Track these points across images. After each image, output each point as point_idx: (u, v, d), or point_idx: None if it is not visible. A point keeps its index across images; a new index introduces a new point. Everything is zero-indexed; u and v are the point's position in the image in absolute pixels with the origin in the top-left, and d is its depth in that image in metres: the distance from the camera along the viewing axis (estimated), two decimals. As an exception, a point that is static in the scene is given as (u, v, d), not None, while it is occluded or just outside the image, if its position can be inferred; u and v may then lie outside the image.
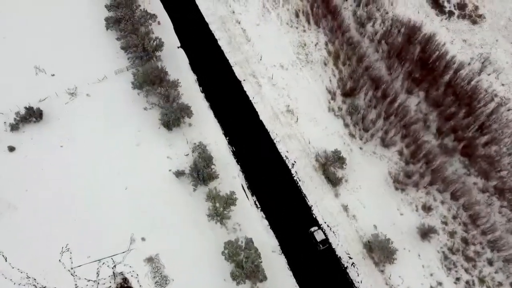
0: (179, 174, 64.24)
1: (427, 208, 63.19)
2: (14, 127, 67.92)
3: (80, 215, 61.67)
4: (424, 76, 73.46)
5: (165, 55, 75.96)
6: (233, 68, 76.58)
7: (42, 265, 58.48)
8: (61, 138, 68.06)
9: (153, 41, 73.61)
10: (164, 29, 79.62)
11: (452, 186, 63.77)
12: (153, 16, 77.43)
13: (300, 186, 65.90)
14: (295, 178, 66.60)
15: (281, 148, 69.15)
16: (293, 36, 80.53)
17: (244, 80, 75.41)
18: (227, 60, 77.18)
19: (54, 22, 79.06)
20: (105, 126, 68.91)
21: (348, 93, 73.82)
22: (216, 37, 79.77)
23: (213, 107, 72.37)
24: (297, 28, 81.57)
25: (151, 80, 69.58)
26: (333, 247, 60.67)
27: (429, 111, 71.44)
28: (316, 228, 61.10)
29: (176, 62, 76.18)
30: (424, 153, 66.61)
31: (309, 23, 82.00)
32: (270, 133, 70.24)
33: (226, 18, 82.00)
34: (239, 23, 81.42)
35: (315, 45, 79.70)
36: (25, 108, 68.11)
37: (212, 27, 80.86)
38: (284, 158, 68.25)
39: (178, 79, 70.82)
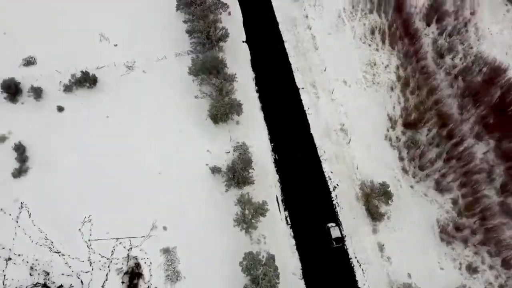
0: (215, 170, 61.68)
1: (472, 269, 56.67)
2: (67, 88, 68.22)
3: (109, 189, 60.57)
4: (499, 124, 66.30)
5: (228, 47, 73.72)
6: (294, 73, 73.08)
7: (62, 230, 57.92)
8: (109, 108, 67.55)
9: (219, 31, 71.54)
10: (233, 21, 77.44)
11: (506, 252, 56.82)
12: (224, 5, 75.44)
13: (337, 212, 61.37)
14: (334, 202, 62.14)
15: (326, 167, 64.85)
16: (364, 53, 75.74)
17: (302, 88, 71.71)
18: (290, 64, 73.77)
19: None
20: (153, 105, 67.67)
21: (410, 125, 68.15)
22: (284, 38, 76.56)
23: (264, 109, 69.25)
24: (370, 45, 76.69)
25: (208, 69, 67.50)
26: (347, 248, 57.56)
27: (497, 163, 64.37)
28: (333, 224, 59.12)
29: (237, 56, 73.77)
30: (481, 208, 59.95)
31: (383, 42, 76.85)
32: (318, 149, 66.11)
33: (298, 21, 78.55)
34: (310, 28, 77.73)
35: (386, 66, 74.48)
36: (81, 72, 68.16)
37: (282, 27, 77.71)
38: (327, 179, 63.92)
39: (235, 74, 68.27)
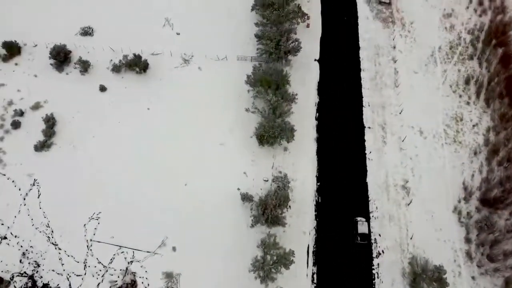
0: (246, 198, 53.54)
1: None
2: (116, 69, 63.01)
3: (127, 189, 54.46)
4: None
5: (296, 62, 65.23)
6: (363, 108, 63.15)
7: (66, 221, 52.49)
8: (153, 99, 61.49)
9: (291, 42, 63.22)
10: (309, 34, 68.79)
11: None
12: (304, 16, 67.03)
13: (375, 284, 51.05)
14: (374, 271, 51.85)
15: (375, 226, 54.57)
16: (451, 103, 64.20)
17: (369, 127, 61.65)
18: (361, 97, 63.93)
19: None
20: (199, 108, 60.69)
21: (489, 202, 56.08)
22: (362, 66, 66.75)
23: (320, 141, 60.05)
24: (460, 96, 64.96)
25: (268, 82, 59.37)
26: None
27: None
28: (363, 219, 53.85)
29: (304, 74, 65.04)
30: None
31: (477, 96, 64.81)
32: (370, 203, 55.96)
33: (383, 50, 68.39)
34: (395, 62, 67.30)
35: (474, 125, 62.52)
36: (134, 54, 62.64)
37: (362, 53, 67.92)
38: (372, 241, 53.64)
39: (296, 94, 59.66)
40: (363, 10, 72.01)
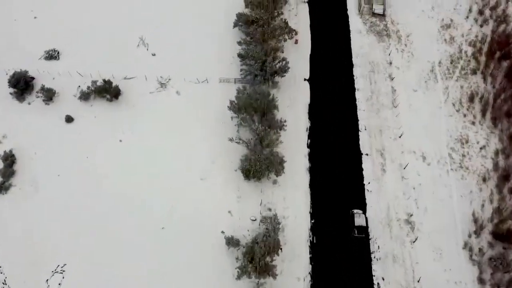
0: (231, 242, 47.32)
1: None
2: (84, 96, 56.66)
3: (96, 236, 48.06)
4: None
5: (284, 83, 59.31)
6: (359, 132, 57.28)
7: (26, 276, 45.96)
8: (126, 130, 55.23)
9: (278, 62, 57.34)
10: (298, 51, 62.93)
11: None
12: (292, 31, 61.16)
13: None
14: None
15: (377, 269, 48.59)
16: (455, 123, 58.55)
17: (367, 154, 55.76)
18: (357, 120, 58.09)
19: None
20: (178, 138, 54.58)
21: (503, 237, 50.37)
22: (356, 85, 60.94)
23: (313, 171, 54.05)
24: (464, 115, 59.34)
25: (254, 108, 53.40)
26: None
27: None
28: (360, 211, 50.73)
29: (293, 96, 59.10)
30: None
31: (483, 115, 59.23)
32: (370, 241, 49.99)
33: (378, 67, 62.65)
34: (392, 79, 61.62)
35: (481, 148, 56.87)
36: (104, 80, 56.31)
37: (357, 71, 62.13)
38: (375, 286, 47.62)
39: (285, 121, 53.67)
40: (355, 23, 66.35)
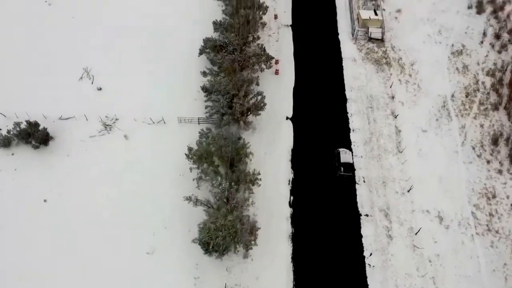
0: None
1: None
2: (4, 142, 44.26)
3: None
4: None
5: (261, 124, 47.28)
6: (357, 185, 44.75)
7: None
8: (53, 186, 42.53)
9: (252, 97, 45.50)
10: (278, 84, 51.31)
11: None
12: (270, 60, 49.71)
13: None
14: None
15: None
16: (477, 173, 46.27)
17: (367, 215, 43.04)
18: (353, 169, 45.62)
19: (139, 19, 55.55)
20: (120, 197, 41.88)
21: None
22: (351, 125, 48.94)
23: (296, 240, 41.10)
24: (488, 162, 47.14)
25: (220, 157, 41.07)
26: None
27: None
28: (345, 150, 45.50)
29: (273, 140, 46.86)
30: None
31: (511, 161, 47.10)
32: None
33: (378, 103, 50.89)
34: (396, 117, 49.73)
35: (513, 204, 44.45)
36: (28, 122, 44.07)
37: (351, 107, 50.27)
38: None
39: (259, 173, 41.20)
40: (349, 50, 55.14)
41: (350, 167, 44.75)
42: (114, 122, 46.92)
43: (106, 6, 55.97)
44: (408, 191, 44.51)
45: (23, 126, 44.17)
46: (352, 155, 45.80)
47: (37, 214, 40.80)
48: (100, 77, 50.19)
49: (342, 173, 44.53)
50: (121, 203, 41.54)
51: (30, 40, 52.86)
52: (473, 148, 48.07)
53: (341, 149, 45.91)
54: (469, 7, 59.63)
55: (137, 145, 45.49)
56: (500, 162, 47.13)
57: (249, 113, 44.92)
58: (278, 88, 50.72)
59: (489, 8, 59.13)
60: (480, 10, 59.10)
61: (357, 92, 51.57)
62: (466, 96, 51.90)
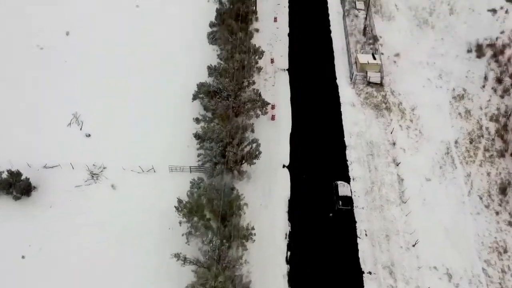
0: None
1: None
2: (-16, 193, 41.79)
3: None
4: None
5: (256, 173, 44.94)
6: (358, 240, 41.86)
7: None
8: (33, 241, 39.60)
9: (247, 145, 43.43)
10: (275, 130, 49.40)
11: None
12: (266, 106, 48.08)
13: None
14: None
15: None
16: (486, 225, 43.49)
17: (370, 273, 39.91)
18: (354, 222, 42.91)
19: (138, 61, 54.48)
20: (104, 253, 38.89)
21: None
22: (351, 173, 46.57)
23: (294, 300, 37.87)
24: (497, 213, 44.43)
25: (212, 210, 38.47)
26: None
27: None
28: (343, 182, 43.80)
29: (269, 190, 44.35)
30: None
31: (523, 212, 44.44)
32: None
33: (379, 149, 48.76)
34: (397, 165, 47.44)
35: (526, 260, 41.31)
36: (8, 172, 41.75)
37: (351, 155, 48.10)
38: None
39: (253, 228, 38.47)
40: (347, 94, 53.65)
41: (348, 201, 43.13)
42: (101, 171, 44.61)
43: (100, 51, 54.97)
44: (413, 245, 41.57)
45: (4, 175, 41.78)
46: (351, 188, 44.32)
47: (15, 272, 37.68)
48: (90, 123, 48.40)
49: (341, 207, 42.88)
50: (105, 258, 38.60)
51: (19, 84, 51.51)
52: (480, 198, 45.49)
53: (339, 182, 44.52)
54: (469, 51, 58.70)
55: (125, 196, 42.97)
56: (510, 213, 44.43)
57: (243, 161, 42.65)
58: (274, 134, 48.77)
59: (489, 52, 58.11)
60: (480, 54, 58.11)
61: (357, 138, 49.57)
62: (470, 143, 49.85)
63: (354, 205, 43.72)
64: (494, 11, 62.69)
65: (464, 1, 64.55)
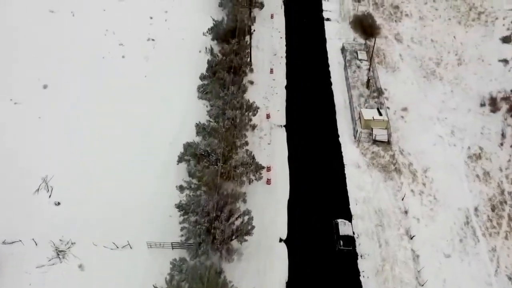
0: None
1: None
2: None
3: None
4: None
5: (249, 249, 38.65)
6: (369, 333, 35.08)
7: None
8: None
9: (237, 217, 37.46)
10: (271, 196, 43.49)
11: None
12: (260, 170, 42.48)
13: None
14: None
15: None
16: (520, 313, 36.82)
17: None
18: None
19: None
20: None
21: None
22: (358, 249, 40.23)
23: None
24: (530, 296, 37.86)
25: (193, 300, 31.98)
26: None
27: None
28: (344, 220, 39.68)
29: (264, 270, 37.92)
30: None
31: (559, 295, 37.78)
32: None
33: (389, 219, 42.73)
34: (412, 238, 41.25)
35: None
36: (-43, 252, 35.67)
37: (358, 226, 41.95)
38: None
39: (244, 325, 31.86)
40: (351, 154, 48.26)
41: (350, 240, 39.44)
42: (68, 248, 38.46)
43: (75, 109, 50.14)
44: None
45: (-48, 255, 35.68)
46: (352, 227, 40.66)
47: None
48: (60, 189, 42.64)
49: (342, 248, 39.13)
50: None
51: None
52: (510, 279, 39.04)
53: (339, 220, 40.94)
54: (482, 105, 54.05)
55: (94, 279, 36.58)
56: (544, 294, 37.90)
57: (233, 238, 36.54)
58: (269, 201, 42.90)
59: (504, 106, 53.45)
60: (494, 108, 53.43)
61: (363, 205, 43.66)
62: (493, 210, 43.94)
63: (363, 289, 37.35)
64: (505, 61, 58.83)
65: (473, 51, 60.83)
